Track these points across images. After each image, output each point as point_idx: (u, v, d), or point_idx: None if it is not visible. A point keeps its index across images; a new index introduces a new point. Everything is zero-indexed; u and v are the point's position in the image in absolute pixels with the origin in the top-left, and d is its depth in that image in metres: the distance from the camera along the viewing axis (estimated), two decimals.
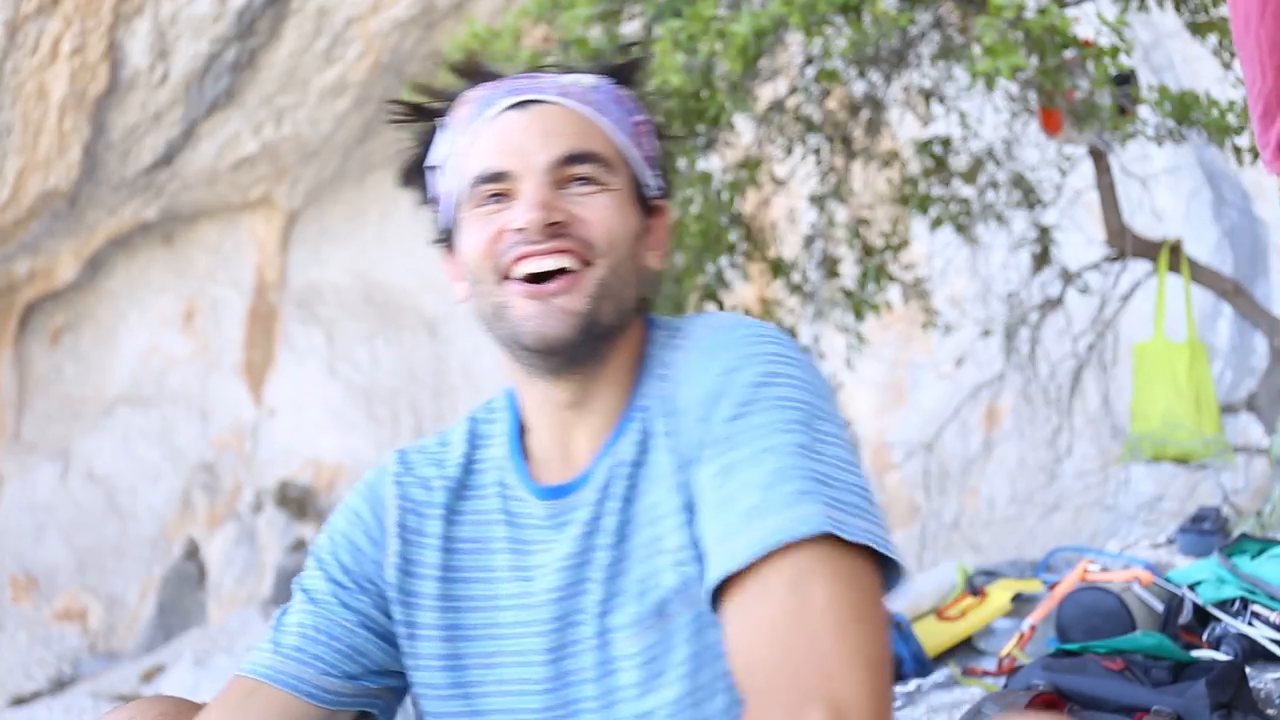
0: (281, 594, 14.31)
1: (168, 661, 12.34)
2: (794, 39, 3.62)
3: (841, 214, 4.45)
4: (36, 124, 11.51)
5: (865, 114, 4.11)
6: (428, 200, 1.08)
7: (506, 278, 0.97)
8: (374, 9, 11.72)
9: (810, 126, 4.05)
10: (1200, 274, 3.53)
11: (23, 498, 14.91)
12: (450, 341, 15.09)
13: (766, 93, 4.31)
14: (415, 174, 1.08)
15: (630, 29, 3.61)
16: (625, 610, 0.95)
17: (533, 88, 1.01)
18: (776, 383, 0.91)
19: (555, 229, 0.96)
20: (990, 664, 2.24)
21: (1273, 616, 1.68)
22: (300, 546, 14.72)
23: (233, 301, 15.44)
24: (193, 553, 14.94)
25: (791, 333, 4.33)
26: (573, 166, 0.98)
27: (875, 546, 0.85)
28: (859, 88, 4.06)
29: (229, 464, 15.27)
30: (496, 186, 0.98)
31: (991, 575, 2.80)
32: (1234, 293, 3.65)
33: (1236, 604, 1.78)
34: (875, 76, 3.89)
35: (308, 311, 15.45)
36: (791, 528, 0.83)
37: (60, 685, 13.28)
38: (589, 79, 1.04)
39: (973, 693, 2.01)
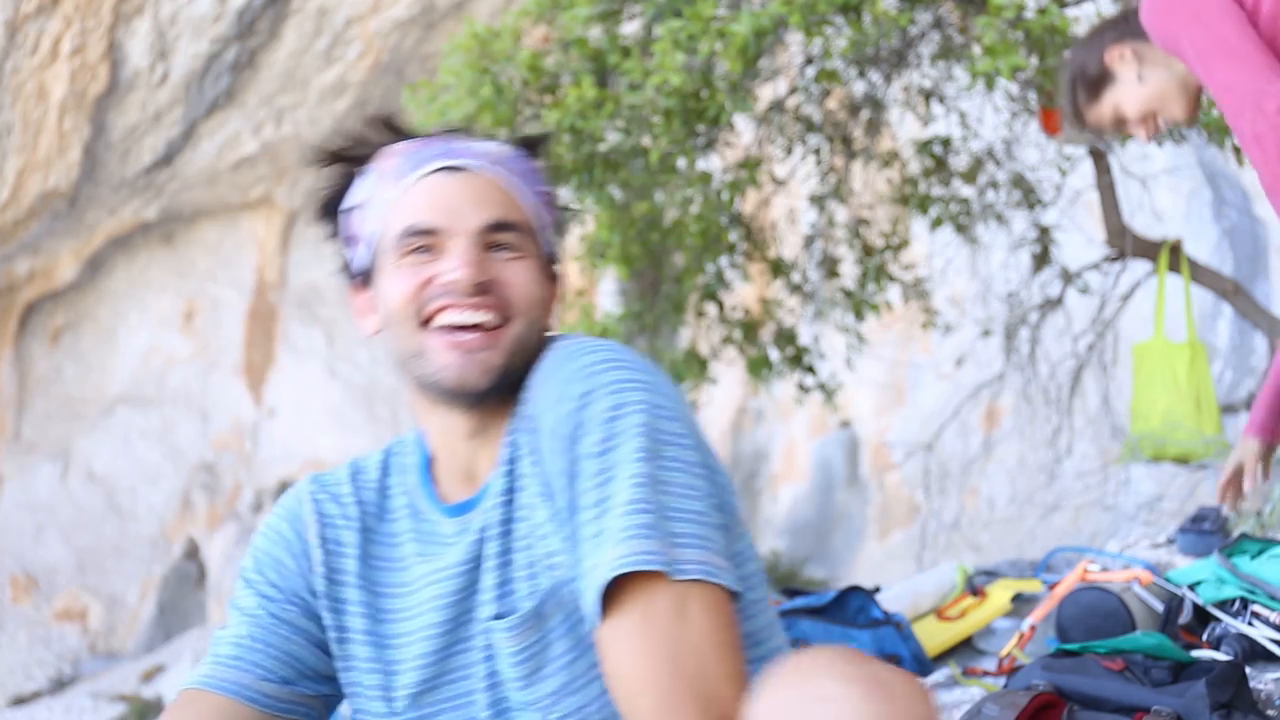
0: None
1: (168, 661, 12.35)
2: (794, 39, 3.62)
3: (841, 214, 4.45)
4: (36, 124, 11.51)
5: (865, 114, 4.11)
6: (338, 237, 1.16)
7: (426, 324, 1.06)
8: (374, 9, 11.72)
9: (810, 126, 4.05)
10: (1200, 274, 3.53)
11: (23, 498, 14.92)
12: None
13: (766, 93, 4.31)
14: (328, 212, 1.16)
15: (630, 29, 3.61)
16: (509, 612, 1.04)
17: (464, 152, 1.10)
18: (626, 413, 0.98)
19: (482, 287, 1.05)
20: (990, 664, 2.24)
21: (1273, 616, 1.68)
22: None
23: (233, 301, 15.45)
24: (193, 553, 14.95)
25: (791, 333, 4.33)
26: (497, 234, 1.07)
27: (704, 578, 0.93)
28: (859, 88, 4.06)
29: (229, 464, 15.28)
30: (425, 240, 1.06)
31: (991, 575, 2.79)
32: (1234, 293, 3.64)
33: (1236, 604, 1.78)
34: (875, 76, 3.89)
35: (308, 311, 15.45)
36: (629, 562, 0.91)
37: (60, 685, 13.29)
38: (507, 149, 1.13)
39: (973, 693, 2.01)
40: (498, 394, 1.07)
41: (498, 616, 1.04)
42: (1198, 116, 2.02)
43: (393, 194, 1.09)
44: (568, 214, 1.24)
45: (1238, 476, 2.21)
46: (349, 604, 1.13)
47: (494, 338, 1.05)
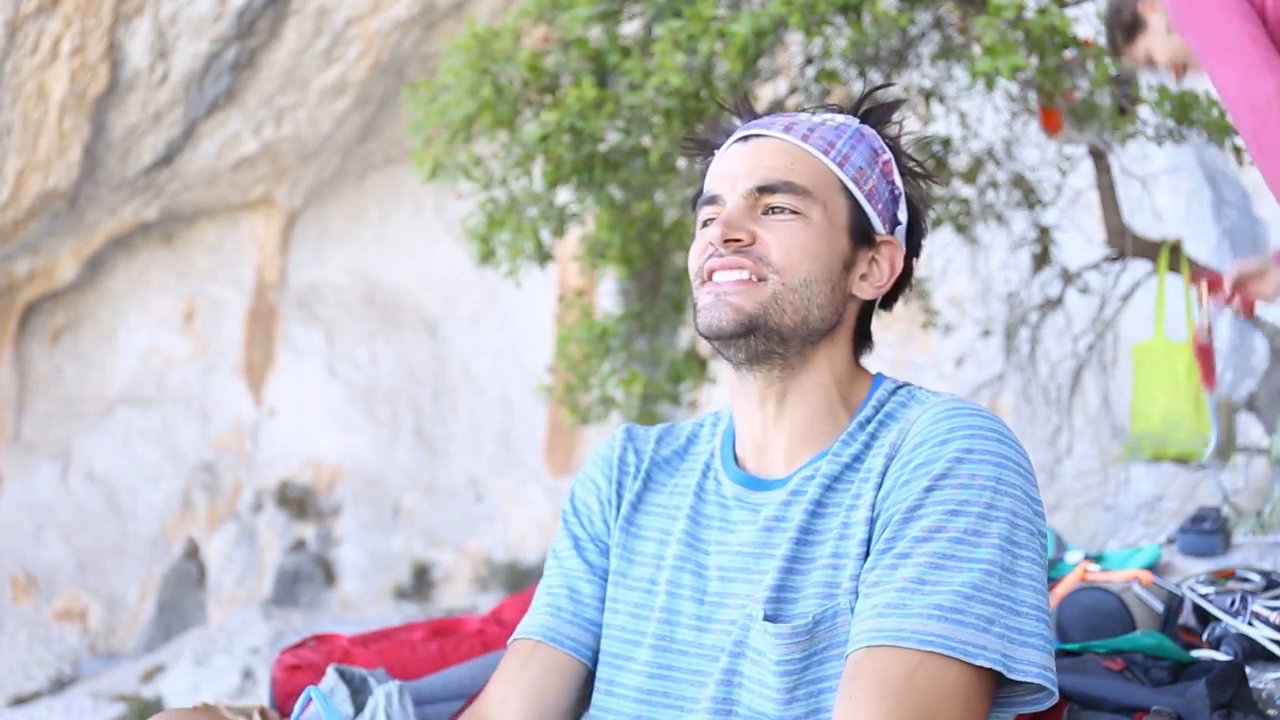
0: (281, 594, 14.32)
1: (168, 661, 12.34)
2: (794, 39, 3.62)
3: None
4: (36, 124, 11.52)
5: None
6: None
7: (704, 282, 1.10)
8: (374, 9, 11.73)
9: None
10: (1200, 274, 3.53)
11: (23, 498, 14.92)
12: (450, 341, 15.10)
13: (766, 93, 4.31)
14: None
15: (630, 29, 3.61)
16: (786, 615, 1.01)
17: (760, 124, 1.15)
18: (1000, 490, 0.97)
19: (735, 245, 1.08)
20: None
21: (1273, 616, 1.68)
22: (300, 546, 14.72)
23: (233, 301, 15.46)
24: (193, 553, 14.95)
25: None
26: (769, 196, 1.10)
27: (1040, 682, 0.91)
28: (859, 88, 4.06)
29: (229, 464, 15.28)
30: (712, 209, 1.12)
31: None
32: None
33: (1236, 603, 1.78)
34: (875, 76, 3.89)
35: (308, 311, 15.46)
36: (963, 649, 0.89)
37: (60, 685, 13.29)
38: (835, 118, 1.16)
39: None
40: (759, 343, 1.08)
41: (769, 619, 1.01)
42: None
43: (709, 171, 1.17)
44: (921, 180, 1.23)
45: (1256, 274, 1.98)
46: (615, 544, 1.18)
47: (747, 286, 1.07)
